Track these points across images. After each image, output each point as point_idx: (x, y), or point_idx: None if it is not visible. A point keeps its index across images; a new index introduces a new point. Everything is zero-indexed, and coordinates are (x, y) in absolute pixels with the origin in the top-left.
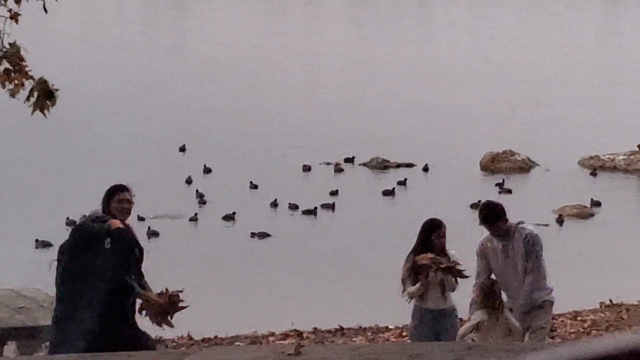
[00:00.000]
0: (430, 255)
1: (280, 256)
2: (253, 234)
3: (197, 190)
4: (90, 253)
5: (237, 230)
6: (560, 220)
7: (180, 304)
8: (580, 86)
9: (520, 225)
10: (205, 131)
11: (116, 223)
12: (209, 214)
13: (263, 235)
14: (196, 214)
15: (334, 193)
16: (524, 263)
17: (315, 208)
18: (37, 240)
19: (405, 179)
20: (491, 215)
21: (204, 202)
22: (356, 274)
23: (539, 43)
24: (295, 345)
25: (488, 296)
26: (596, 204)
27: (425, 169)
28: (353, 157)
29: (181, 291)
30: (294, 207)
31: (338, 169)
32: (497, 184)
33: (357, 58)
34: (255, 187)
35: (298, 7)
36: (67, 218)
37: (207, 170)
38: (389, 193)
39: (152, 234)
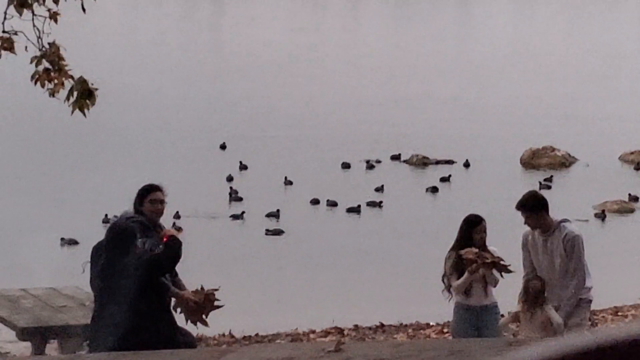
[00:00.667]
0: (475, 249)
1: (321, 254)
2: (268, 231)
3: (230, 188)
4: (128, 252)
5: (279, 225)
6: (602, 216)
7: (216, 303)
8: (622, 81)
9: (563, 223)
10: (245, 129)
11: (171, 231)
12: (249, 211)
13: (278, 233)
14: (243, 213)
15: (378, 189)
16: (562, 261)
17: (359, 206)
18: (62, 239)
19: (449, 175)
20: (536, 204)
21: (239, 199)
22: (397, 271)
23: (580, 38)
24: (336, 343)
25: (527, 290)
26: (634, 198)
27: (467, 164)
28: (399, 155)
29: (217, 289)
30: (332, 204)
31: (370, 166)
32: (542, 180)
33: (397, 54)
34: (290, 183)
35: (338, 4)
36: (105, 216)
37: (243, 167)
38: (432, 190)
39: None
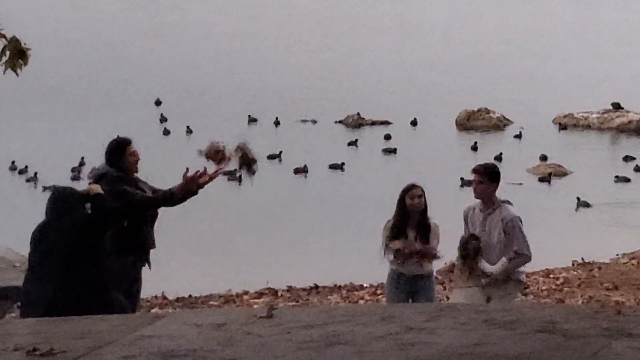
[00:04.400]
0: (400, 243)
1: (254, 214)
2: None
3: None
4: (69, 216)
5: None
6: (547, 179)
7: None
8: (556, 44)
9: (505, 204)
10: (179, 86)
11: (96, 188)
12: None
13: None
14: None
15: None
16: (500, 241)
17: (305, 166)
18: None
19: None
20: (495, 174)
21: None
22: (331, 233)
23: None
24: (268, 308)
25: (466, 247)
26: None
27: (413, 123)
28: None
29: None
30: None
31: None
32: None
33: (333, 14)
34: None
35: None
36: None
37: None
38: (352, 143)
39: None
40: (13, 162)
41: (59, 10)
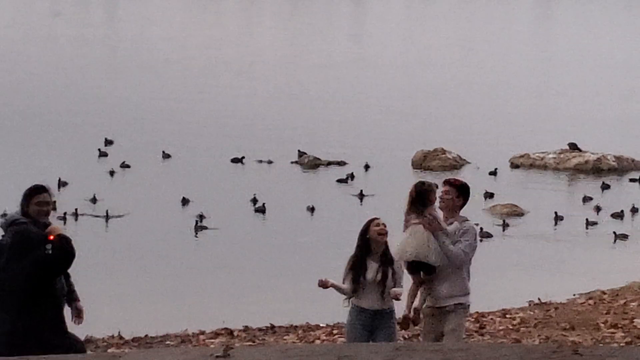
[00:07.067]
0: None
1: (212, 254)
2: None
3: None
4: (29, 257)
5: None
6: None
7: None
8: (512, 84)
9: (465, 221)
10: (130, 124)
11: (57, 229)
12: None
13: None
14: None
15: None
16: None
17: (264, 204)
18: None
19: (351, 175)
20: (467, 190)
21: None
22: (287, 273)
23: (474, 40)
24: (224, 347)
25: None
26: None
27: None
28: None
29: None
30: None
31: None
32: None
33: (290, 52)
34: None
35: (232, 3)
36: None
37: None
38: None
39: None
40: None
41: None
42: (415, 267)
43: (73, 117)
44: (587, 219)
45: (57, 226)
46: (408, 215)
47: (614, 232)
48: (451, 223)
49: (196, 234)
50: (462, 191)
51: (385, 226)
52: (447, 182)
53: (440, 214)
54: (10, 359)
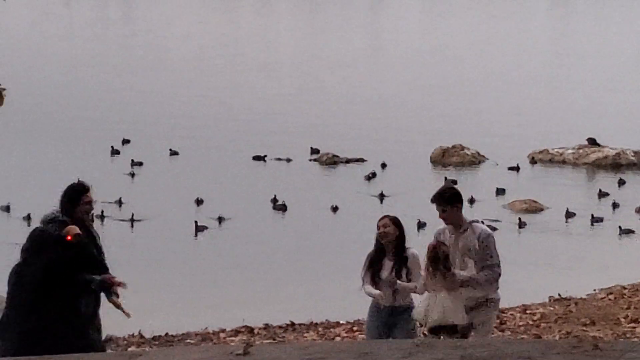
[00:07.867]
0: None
1: (232, 253)
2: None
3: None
4: (44, 257)
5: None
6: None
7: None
8: (530, 79)
9: (474, 223)
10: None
11: (74, 229)
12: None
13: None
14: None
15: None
16: (474, 259)
17: (284, 202)
18: None
19: (373, 173)
20: (452, 197)
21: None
22: (308, 270)
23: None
24: (244, 345)
25: (436, 254)
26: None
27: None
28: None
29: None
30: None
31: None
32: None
33: (307, 51)
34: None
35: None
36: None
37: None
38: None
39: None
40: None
41: (36, 50)
42: (437, 329)
43: (89, 114)
44: (592, 215)
45: (74, 226)
46: (427, 275)
47: (620, 227)
48: (465, 230)
49: (220, 224)
50: (451, 200)
51: (385, 227)
52: (434, 201)
53: (447, 235)
54: (23, 358)
